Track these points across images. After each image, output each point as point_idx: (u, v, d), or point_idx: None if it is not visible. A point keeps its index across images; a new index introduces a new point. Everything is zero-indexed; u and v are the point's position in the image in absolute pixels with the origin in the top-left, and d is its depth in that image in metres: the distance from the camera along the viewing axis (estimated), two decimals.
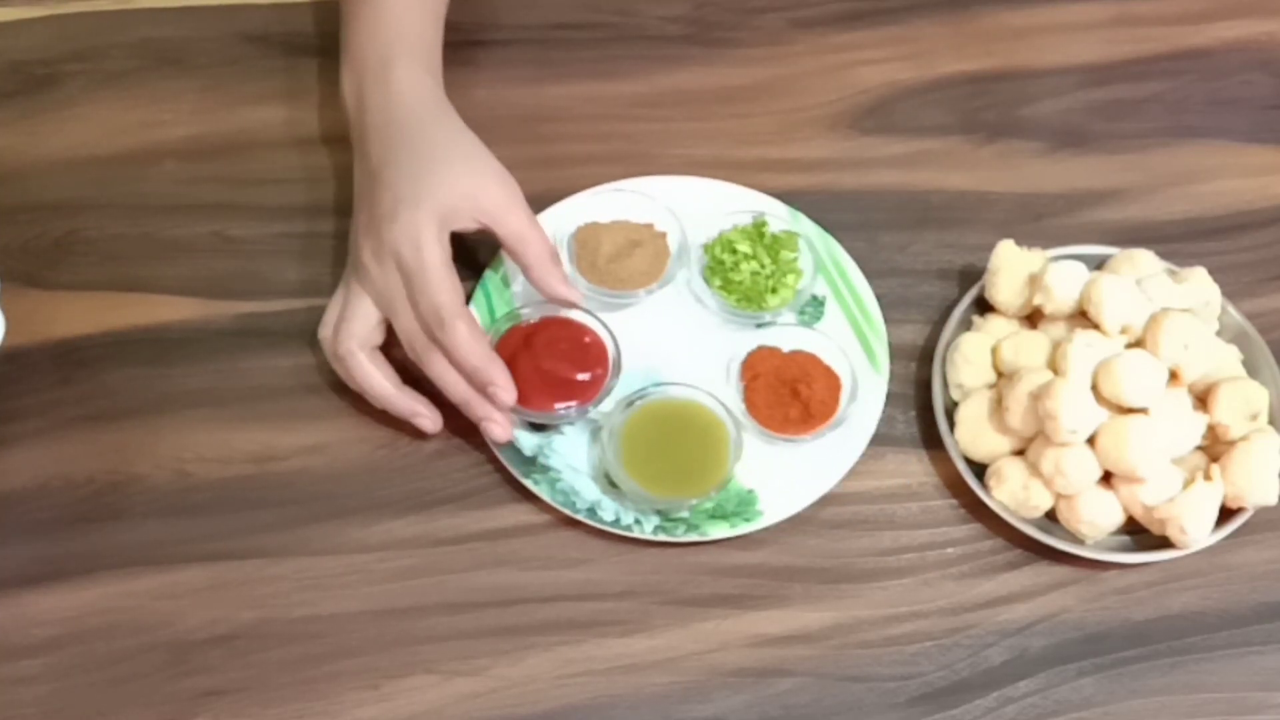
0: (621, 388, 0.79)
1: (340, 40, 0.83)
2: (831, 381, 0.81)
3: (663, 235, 0.85)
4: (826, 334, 0.83)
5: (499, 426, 0.76)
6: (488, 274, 0.84)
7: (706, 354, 0.83)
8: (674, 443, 0.78)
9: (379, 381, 0.77)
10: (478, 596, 0.76)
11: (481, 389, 0.75)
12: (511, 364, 0.78)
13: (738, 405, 0.80)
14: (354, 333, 0.76)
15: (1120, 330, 0.78)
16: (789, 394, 0.80)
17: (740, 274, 0.84)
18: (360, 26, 0.82)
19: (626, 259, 0.83)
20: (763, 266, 0.84)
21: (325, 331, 0.78)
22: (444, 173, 0.76)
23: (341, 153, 0.89)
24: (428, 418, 0.78)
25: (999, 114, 0.95)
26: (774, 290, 0.84)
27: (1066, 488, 0.76)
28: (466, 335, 0.74)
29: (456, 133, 0.79)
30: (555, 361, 0.79)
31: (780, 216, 0.86)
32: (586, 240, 0.84)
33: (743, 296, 0.83)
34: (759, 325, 0.84)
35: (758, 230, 0.85)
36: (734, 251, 0.84)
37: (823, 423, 0.79)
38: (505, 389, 0.75)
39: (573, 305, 0.79)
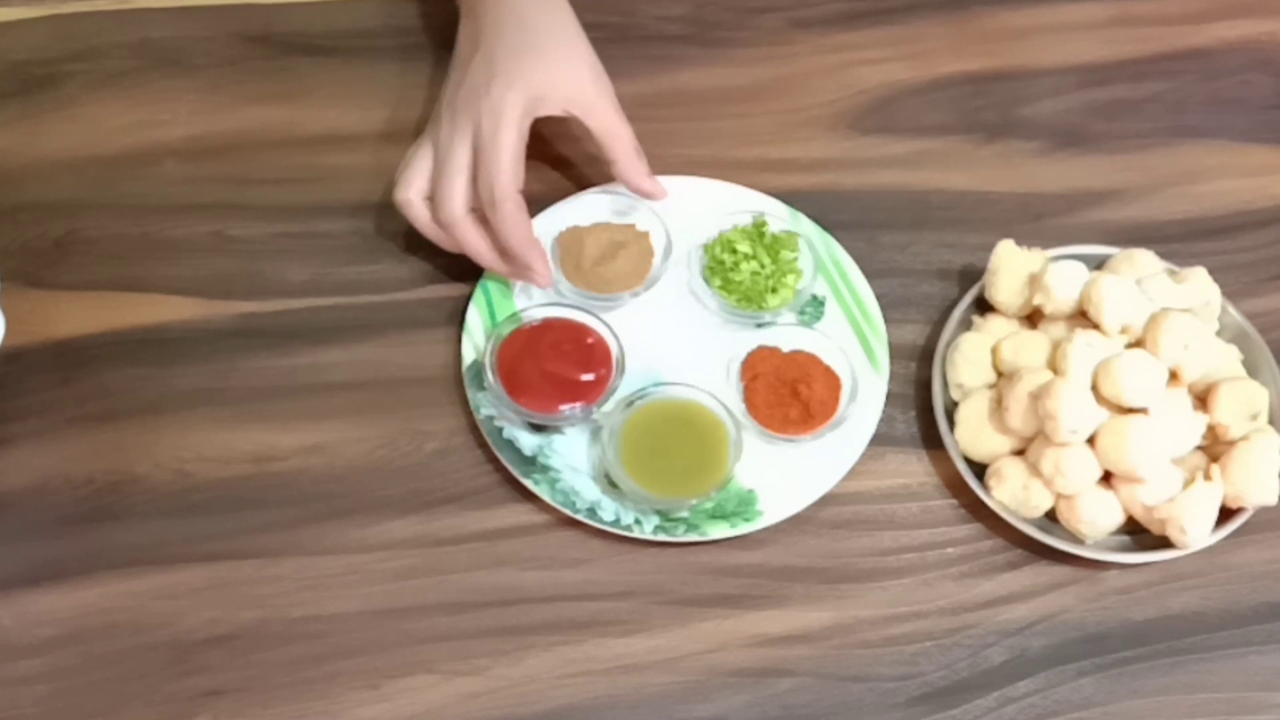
0: (623, 388, 0.79)
1: None
2: (831, 381, 0.81)
3: (645, 235, 0.85)
4: (826, 334, 0.83)
5: (540, 277, 0.80)
6: (487, 274, 0.84)
7: (706, 354, 0.83)
8: (674, 443, 0.78)
9: (426, 222, 0.80)
10: (478, 596, 0.76)
11: (519, 270, 0.80)
12: (515, 366, 0.79)
13: (738, 405, 0.80)
14: (411, 182, 0.80)
15: (1120, 330, 0.78)
16: (789, 394, 0.80)
17: (740, 274, 0.84)
18: None
19: (611, 261, 0.83)
20: (763, 266, 0.84)
21: (403, 189, 0.81)
22: (543, 57, 0.79)
23: (341, 153, 0.89)
24: (540, 272, 0.80)
25: (999, 114, 0.95)
26: (774, 290, 0.84)
27: (1066, 488, 0.76)
28: (515, 215, 0.78)
29: (563, 18, 0.82)
30: (559, 362, 0.79)
31: (780, 216, 0.86)
32: (570, 244, 0.84)
33: (743, 296, 0.83)
34: (759, 325, 0.84)
35: (758, 230, 0.85)
36: (734, 251, 0.84)
37: (823, 423, 0.79)
38: (543, 274, 0.79)
39: (656, 197, 0.83)
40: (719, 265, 0.84)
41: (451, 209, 0.78)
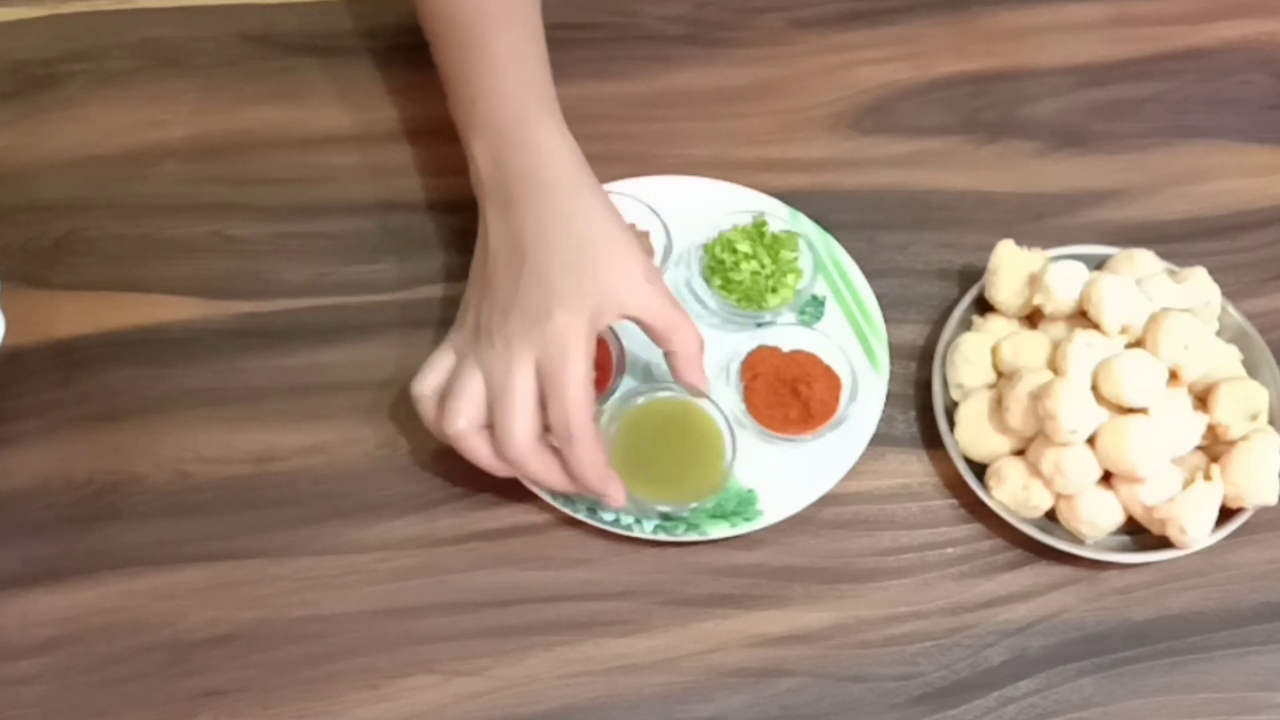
0: (623, 388, 0.79)
1: (454, 104, 0.80)
2: (831, 381, 0.81)
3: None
4: (826, 334, 0.83)
5: (615, 501, 0.74)
6: None
7: (706, 354, 0.82)
8: (667, 445, 0.78)
9: (497, 463, 0.73)
10: (478, 596, 0.76)
11: (590, 490, 0.73)
12: None
13: (738, 405, 0.80)
14: (461, 411, 0.72)
15: (1120, 330, 0.78)
16: (789, 394, 0.80)
17: (740, 274, 0.84)
18: (479, 85, 0.78)
19: None
20: (763, 266, 0.84)
21: (422, 389, 0.74)
22: (599, 270, 0.72)
23: (341, 153, 0.89)
24: (616, 491, 0.74)
25: (999, 114, 0.95)
26: (774, 290, 0.84)
27: (1066, 488, 0.76)
28: (593, 450, 0.71)
29: (609, 216, 0.75)
30: None
31: (780, 216, 0.86)
32: None
33: (743, 296, 0.83)
34: (759, 325, 0.84)
35: (758, 230, 0.85)
36: (734, 251, 0.84)
37: (823, 423, 0.79)
38: (618, 499, 0.73)
39: (705, 395, 0.77)
40: (719, 265, 0.84)
41: (521, 446, 0.71)
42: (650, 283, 0.74)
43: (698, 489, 0.77)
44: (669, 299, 0.75)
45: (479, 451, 0.73)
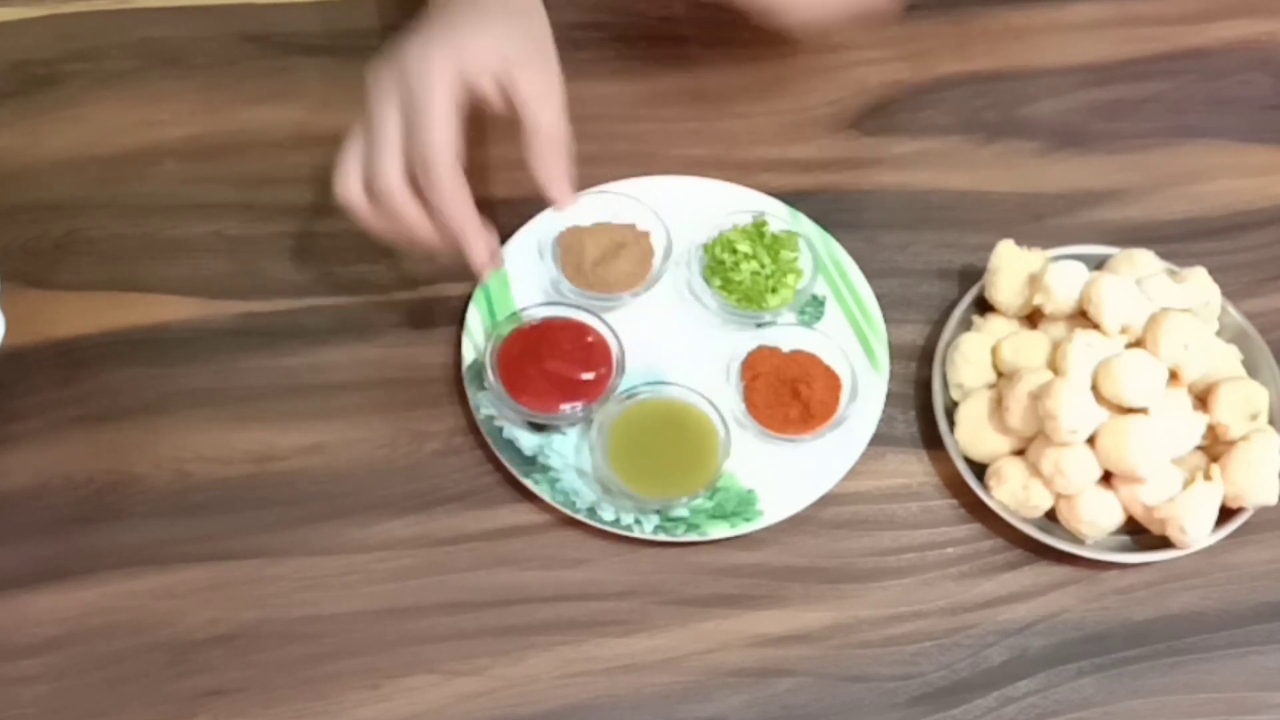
0: (622, 388, 0.79)
1: None
2: (831, 381, 0.81)
3: (646, 235, 0.85)
4: (826, 334, 0.83)
5: (476, 255, 0.72)
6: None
7: (706, 354, 0.83)
8: (662, 442, 0.78)
9: (360, 203, 0.72)
10: (478, 596, 0.76)
11: (455, 241, 0.72)
12: (515, 365, 0.79)
13: (738, 405, 0.80)
14: (348, 174, 0.72)
15: (1120, 330, 0.78)
16: (789, 394, 0.80)
17: (740, 274, 0.84)
18: None
19: (612, 261, 0.83)
20: (763, 266, 0.84)
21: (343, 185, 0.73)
22: (484, 26, 0.73)
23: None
24: (480, 247, 0.72)
25: (999, 114, 0.95)
26: (774, 290, 0.84)
27: (1066, 488, 0.76)
28: (451, 183, 0.70)
29: (533, 4, 0.76)
30: (559, 362, 0.79)
31: (780, 216, 0.87)
32: (571, 244, 0.84)
33: (743, 296, 0.83)
34: (759, 325, 0.84)
35: (758, 230, 0.85)
36: (734, 251, 0.84)
37: (823, 423, 0.79)
38: (479, 253, 0.72)
39: (558, 206, 0.74)
40: (719, 265, 0.84)
41: (386, 181, 0.71)
42: (537, 53, 0.73)
43: (693, 486, 0.77)
44: (547, 80, 0.73)
45: (364, 210, 0.72)
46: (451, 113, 0.71)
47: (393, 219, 0.72)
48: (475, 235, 0.72)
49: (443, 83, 0.71)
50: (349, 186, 0.73)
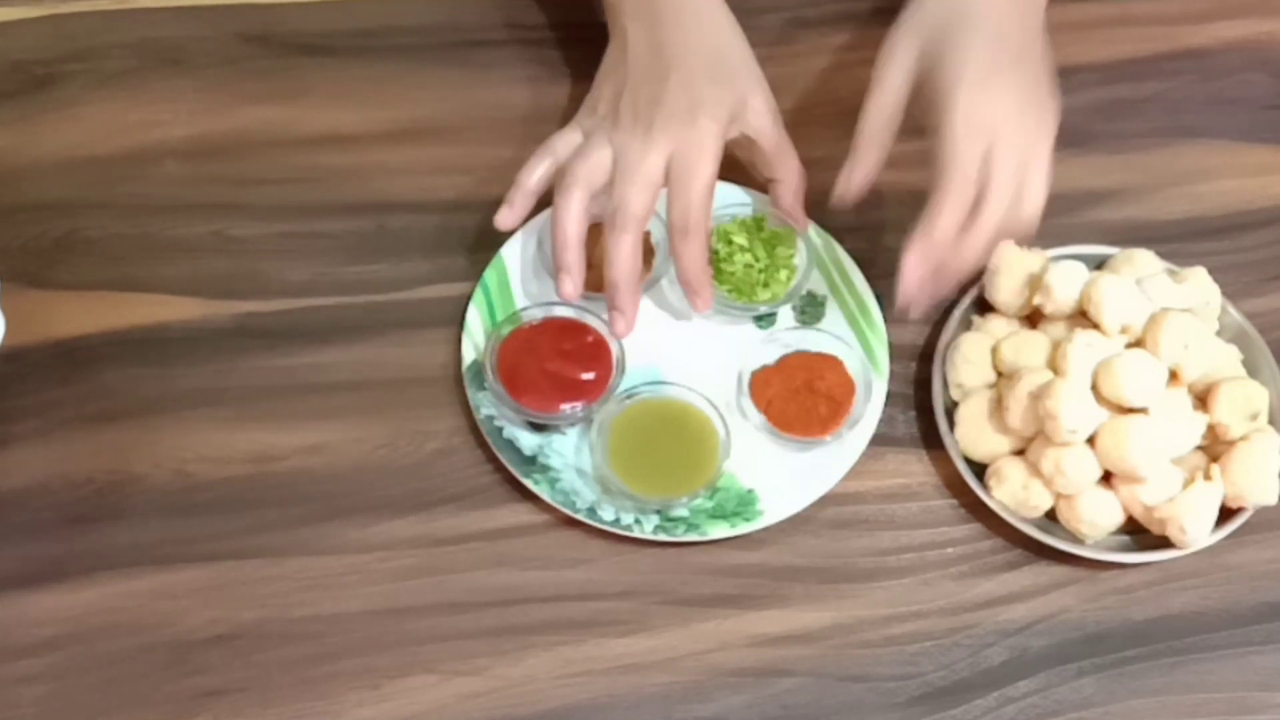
0: (622, 387, 0.79)
1: None
2: (843, 378, 0.81)
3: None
4: (826, 332, 0.83)
5: (701, 306, 0.81)
6: (487, 274, 0.84)
7: (707, 354, 0.83)
8: (662, 442, 0.78)
9: (573, 226, 0.79)
10: (478, 596, 0.76)
11: (611, 298, 0.79)
12: (515, 365, 0.79)
13: (757, 419, 0.80)
14: (584, 171, 0.79)
15: (1120, 330, 0.78)
16: (807, 393, 0.80)
17: (734, 265, 0.84)
18: None
19: None
20: (756, 259, 0.84)
21: (551, 144, 0.82)
22: (735, 84, 0.81)
23: (341, 153, 0.89)
24: (573, 282, 0.79)
25: None
26: (765, 284, 0.84)
27: (1066, 488, 0.76)
28: (701, 249, 0.79)
29: (739, 34, 0.83)
30: (560, 362, 0.79)
31: (780, 215, 0.86)
32: None
33: (734, 288, 0.84)
34: (757, 319, 0.84)
35: (756, 224, 0.86)
36: (730, 243, 0.85)
37: (838, 423, 0.79)
38: (705, 303, 0.81)
39: (802, 229, 0.85)
40: (714, 255, 0.84)
41: (633, 216, 0.78)
42: (769, 105, 0.82)
43: (693, 485, 0.77)
44: (781, 126, 0.83)
45: (570, 211, 0.78)
46: (714, 185, 0.79)
47: (615, 246, 0.78)
48: (708, 291, 0.81)
49: (716, 153, 0.79)
50: (576, 193, 0.79)
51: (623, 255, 0.78)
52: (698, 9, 0.83)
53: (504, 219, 0.81)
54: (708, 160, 0.78)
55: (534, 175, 0.81)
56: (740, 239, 0.85)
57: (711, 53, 0.81)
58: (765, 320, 0.85)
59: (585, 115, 0.83)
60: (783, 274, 0.85)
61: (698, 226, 0.78)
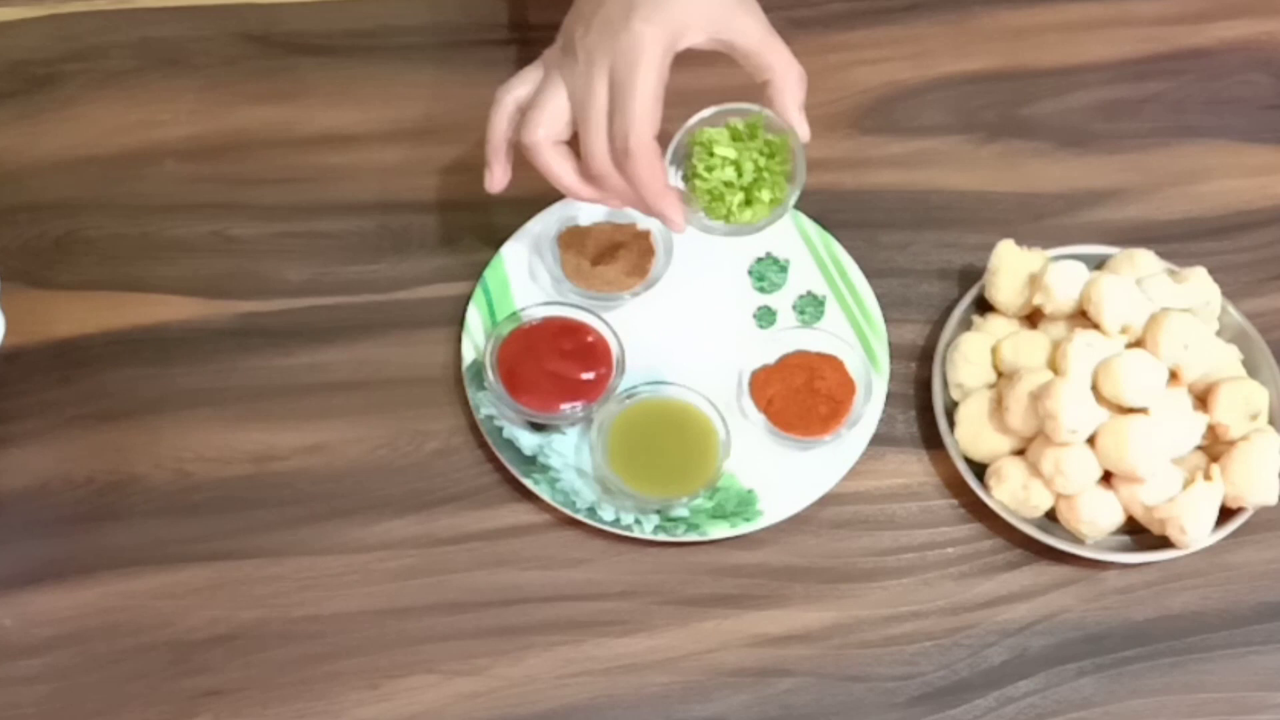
0: (622, 387, 0.79)
1: None
2: (843, 378, 0.81)
3: (646, 235, 0.85)
4: (827, 332, 0.83)
5: (675, 224, 0.74)
6: (487, 273, 0.84)
7: (707, 353, 0.83)
8: (662, 442, 0.78)
9: (564, 174, 0.74)
10: (478, 596, 0.76)
11: (646, 208, 0.74)
12: (515, 365, 0.79)
13: (758, 418, 0.80)
14: (541, 123, 0.73)
15: (1120, 330, 0.78)
16: (808, 393, 0.80)
17: (709, 181, 0.75)
18: None
19: (611, 261, 0.83)
20: (740, 174, 0.75)
21: (503, 93, 0.76)
22: None
23: (341, 153, 0.89)
24: (618, 200, 0.75)
25: (999, 114, 0.95)
26: (748, 203, 0.76)
27: (1066, 488, 0.76)
28: (649, 167, 0.71)
29: None
30: (559, 361, 0.79)
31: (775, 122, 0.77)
32: (570, 244, 0.84)
33: (708, 207, 0.76)
34: (757, 319, 0.84)
35: (750, 130, 0.76)
36: (710, 154, 0.76)
37: (839, 422, 0.79)
38: (677, 222, 0.73)
39: (804, 136, 0.75)
40: (691, 170, 0.76)
41: (600, 164, 0.72)
42: (743, 5, 0.74)
43: (693, 485, 0.77)
44: (764, 25, 0.74)
45: (553, 166, 0.74)
46: (658, 91, 0.71)
47: (609, 190, 0.74)
48: (672, 207, 0.73)
49: (654, 60, 0.71)
50: (537, 136, 0.73)
51: (643, 177, 0.71)
52: None
53: (490, 183, 0.78)
54: (644, 68, 0.70)
55: (498, 131, 0.77)
56: (725, 149, 0.75)
57: None
58: (765, 320, 0.85)
59: (550, 49, 0.77)
60: (764, 193, 0.75)
61: (640, 146, 0.70)
